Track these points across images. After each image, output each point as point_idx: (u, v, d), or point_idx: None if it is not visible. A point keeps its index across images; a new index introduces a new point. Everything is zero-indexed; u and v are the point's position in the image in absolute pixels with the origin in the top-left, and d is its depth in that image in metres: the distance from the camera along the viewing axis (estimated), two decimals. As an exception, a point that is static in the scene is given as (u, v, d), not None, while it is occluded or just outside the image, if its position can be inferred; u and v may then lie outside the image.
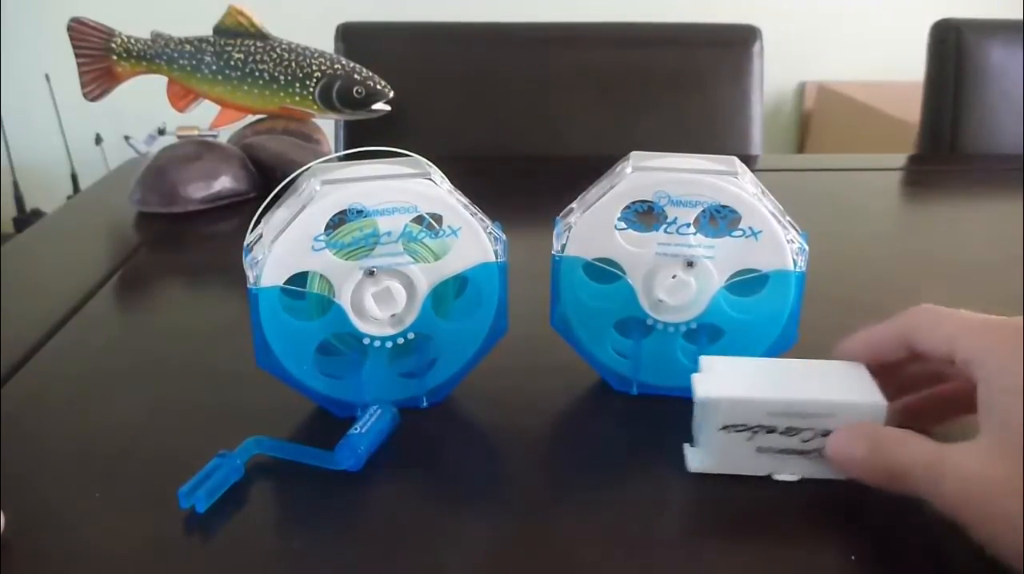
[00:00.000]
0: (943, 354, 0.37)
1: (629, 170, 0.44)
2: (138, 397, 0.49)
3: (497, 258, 0.45)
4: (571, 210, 0.47)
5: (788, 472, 0.39)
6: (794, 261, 0.44)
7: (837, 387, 0.38)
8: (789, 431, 0.38)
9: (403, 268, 0.44)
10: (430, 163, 0.44)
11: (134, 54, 0.83)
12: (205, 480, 0.39)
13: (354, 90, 0.83)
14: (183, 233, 0.78)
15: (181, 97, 0.85)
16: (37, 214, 2.25)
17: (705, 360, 0.40)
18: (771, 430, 0.38)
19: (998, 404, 0.34)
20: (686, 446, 0.40)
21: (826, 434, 0.38)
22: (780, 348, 0.46)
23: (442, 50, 1.16)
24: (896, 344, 0.40)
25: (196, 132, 0.89)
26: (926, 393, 0.42)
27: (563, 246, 0.46)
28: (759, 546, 0.37)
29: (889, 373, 0.40)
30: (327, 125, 0.97)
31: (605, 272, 0.46)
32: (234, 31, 0.82)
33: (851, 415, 0.37)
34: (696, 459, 0.40)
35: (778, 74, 2.25)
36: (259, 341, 0.43)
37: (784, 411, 0.38)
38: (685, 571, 0.36)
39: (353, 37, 1.12)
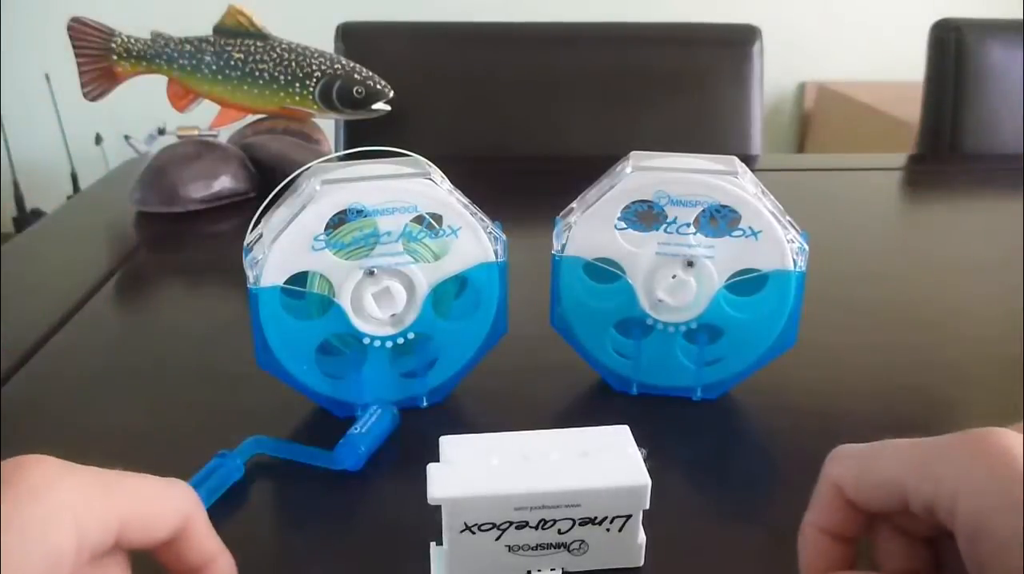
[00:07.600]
0: (892, 503, 0.27)
1: (629, 170, 0.44)
2: (138, 397, 0.49)
3: (497, 258, 0.45)
4: (571, 210, 0.47)
5: (548, 570, 0.34)
6: (794, 261, 0.44)
7: (594, 467, 0.33)
8: (543, 524, 0.33)
9: (403, 268, 0.44)
10: (430, 163, 0.44)
11: (134, 54, 0.82)
12: (205, 480, 0.39)
13: (354, 90, 0.83)
14: (183, 233, 0.78)
15: (181, 97, 0.85)
16: (37, 214, 2.25)
17: (444, 441, 0.35)
18: (522, 526, 0.33)
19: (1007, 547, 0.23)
20: (432, 545, 0.35)
21: (586, 522, 0.33)
22: (780, 348, 0.46)
23: (442, 50, 1.16)
24: (843, 513, 0.29)
25: (196, 132, 0.88)
26: None
27: (563, 246, 0.46)
28: (760, 544, 0.37)
29: (881, 534, 0.30)
30: (327, 125, 0.97)
31: (605, 272, 0.46)
32: (234, 31, 0.82)
33: (611, 500, 0.33)
34: (439, 566, 0.34)
35: (778, 74, 2.25)
36: (259, 341, 0.43)
37: (534, 504, 0.32)
38: (686, 561, 0.36)
39: (353, 37, 1.12)
